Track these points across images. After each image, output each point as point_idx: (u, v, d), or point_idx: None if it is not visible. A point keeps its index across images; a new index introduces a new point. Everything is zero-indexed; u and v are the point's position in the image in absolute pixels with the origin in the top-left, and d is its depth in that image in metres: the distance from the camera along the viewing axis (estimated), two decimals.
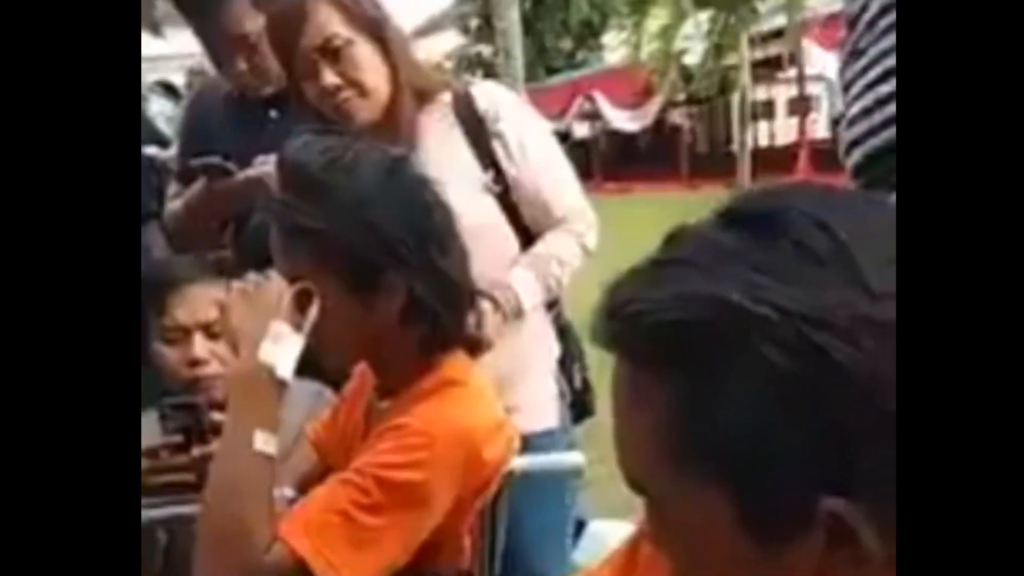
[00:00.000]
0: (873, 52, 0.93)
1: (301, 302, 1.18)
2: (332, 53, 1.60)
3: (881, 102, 0.90)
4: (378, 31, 1.63)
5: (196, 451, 1.44)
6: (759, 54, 14.78)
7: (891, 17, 0.91)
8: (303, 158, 1.21)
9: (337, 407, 1.46)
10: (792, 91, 20.63)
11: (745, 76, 8.25)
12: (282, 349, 1.16)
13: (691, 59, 9.46)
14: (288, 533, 1.11)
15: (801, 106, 17.24)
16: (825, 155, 16.63)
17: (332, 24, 1.60)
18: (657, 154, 17.66)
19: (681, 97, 17.93)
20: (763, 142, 20.14)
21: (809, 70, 15.46)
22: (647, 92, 15.84)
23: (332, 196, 1.18)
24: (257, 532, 1.11)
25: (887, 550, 0.52)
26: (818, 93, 20.80)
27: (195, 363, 1.59)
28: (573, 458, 1.35)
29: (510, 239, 1.68)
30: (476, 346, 1.29)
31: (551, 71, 21.90)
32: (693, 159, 19.53)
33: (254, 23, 1.87)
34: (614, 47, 20.14)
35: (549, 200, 1.67)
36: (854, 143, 0.94)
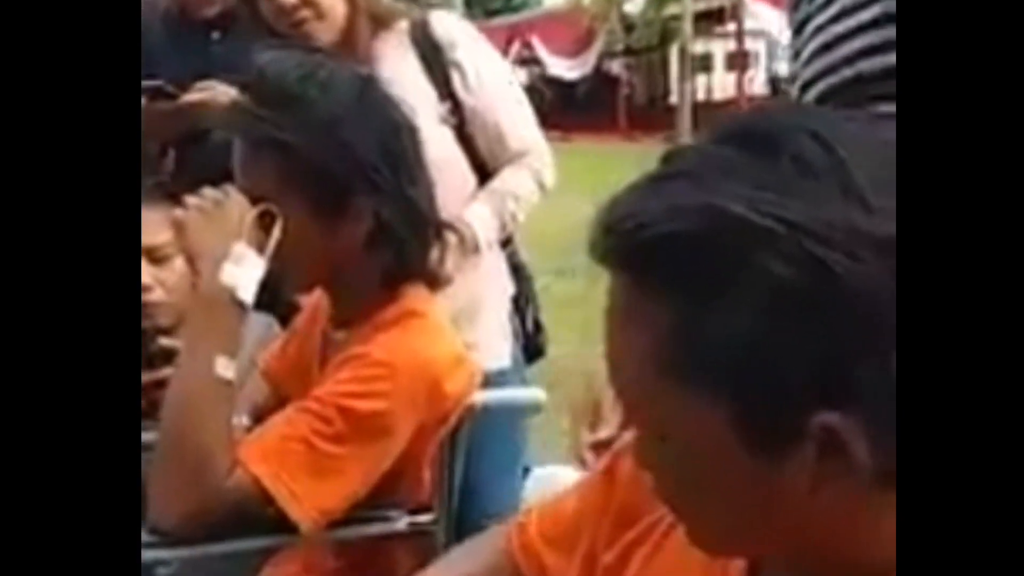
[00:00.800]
0: None
1: (263, 223, 1.15)
2: None
3: (840, 39, 0.89)
4: None
5: (144, 377, 1.41)
6: (700, 6, 14.75)
7: None
8: (277, 70, 1.17)
9: (288, 339, 1.43)
10: (730, 45, 20.67)
11: (687, 27, 8.24)
12: (244, 271, 1.12)
13: (632, 8, 9.42)
14: (248, 459, 1.09)
15: (740, 61, 17.36)
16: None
17: None
18: (595, 104, 17.62)
19: (619, 47, 17.89)
20: (701, 96, 20.25)
21: (749, 24, 15.55)
22: (586, 40, 15.76)
23: (307, 110, 1.14)
24: (217, 457, 1.08)
25: (881, 465, 0.53)
26: (756, 49, 20.96)
27: None
28: (532, 393, 1.34)
29: (467, 173, 1.65)
30: (436, 280, 1.27)
31: (489, 13, 21.62)
32: (631, 110, 19.56)
33: None
34: None
35: (506, 133, 1.65)
36: (812, 80, 0.93)
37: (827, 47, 0.89)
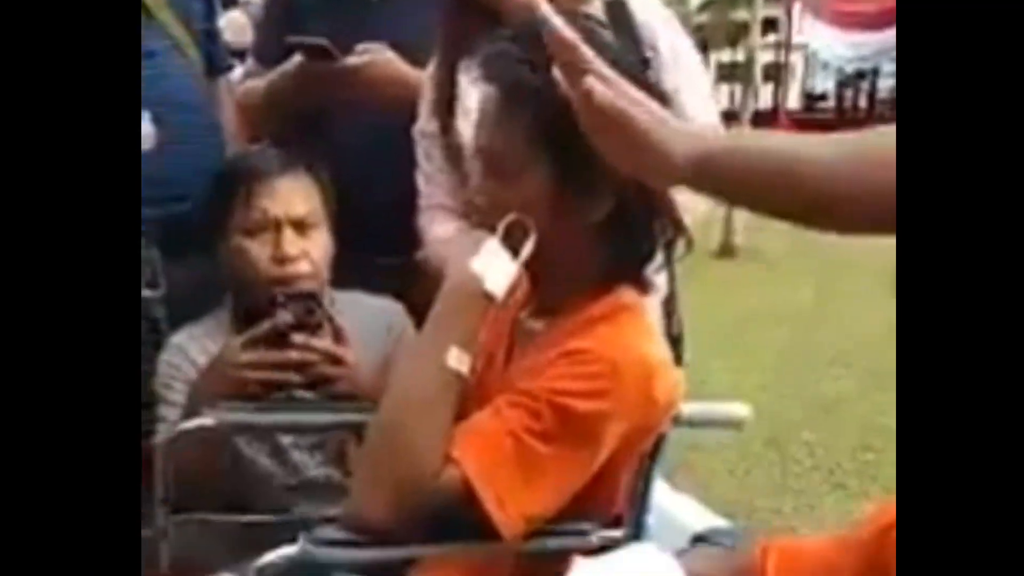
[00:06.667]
0: None
1: (514, 235, 1.06)
2: None
3: None
4: None
5: (299, 338, 1.33)
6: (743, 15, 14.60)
7: None
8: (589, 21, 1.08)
9: None
10: (767, 56, 20.40)
11: (756, 35, 8.08)
12: (494, 265, 1.04)
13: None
14: (461, 454, 1.00)
15: (778, 73, 17.23)
16: (800, 125, 16.70)
17: None
18: None
19: None
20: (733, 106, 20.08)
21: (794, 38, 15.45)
22: None
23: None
24: (431, 454, 0.99)
25: None
26: (794, 62, 20.76)
27: (284, 260, 1.45)
28: (738, 409, 1.23)
29: None
30: (647, 286, 1.15)
31: None
32: None
33: None
34: None
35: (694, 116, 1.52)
36: None
37: None
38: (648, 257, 1.13)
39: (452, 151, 1.52)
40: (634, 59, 1.13)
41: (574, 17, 1.05)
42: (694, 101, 1.52)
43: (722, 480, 3.33)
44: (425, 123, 1.57)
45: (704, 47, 15.60)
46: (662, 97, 1.12)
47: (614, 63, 0.96)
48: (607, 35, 1.13)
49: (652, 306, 1.58)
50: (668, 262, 1.16)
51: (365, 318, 1.51)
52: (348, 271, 1.53)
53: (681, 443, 1.25)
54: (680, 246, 1.17)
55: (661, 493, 1.52)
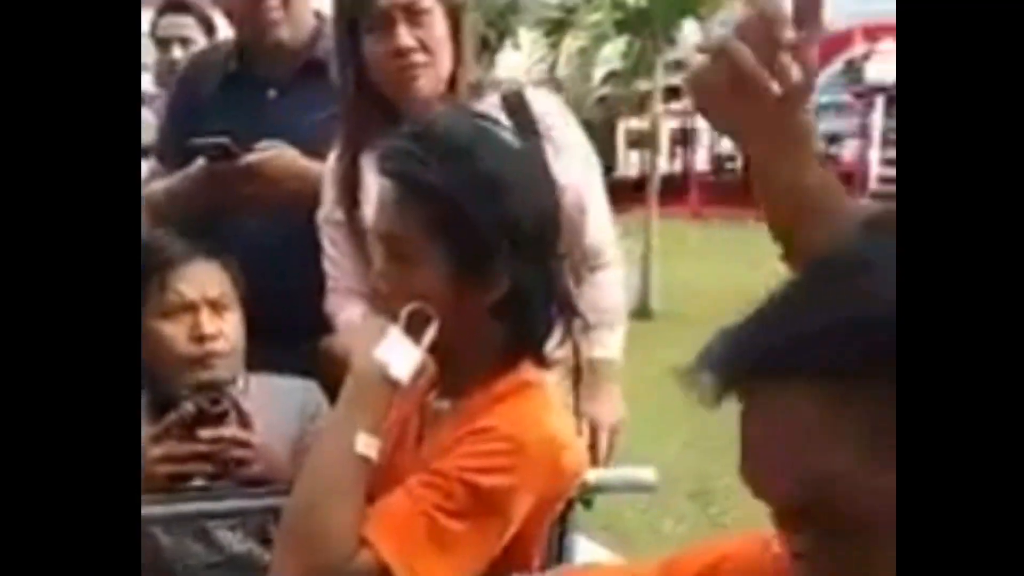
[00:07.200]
0: None
1: (416, 320, 1.11)
2: (414, 14, 1.51)
3: None
4: (456, 10, 1.56)
5: (206, 433, 1.35)
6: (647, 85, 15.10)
7: None
8: (451, 122, 1.15)
9: None
10: (672, 123, 21.01)
11: (658, 103, 8.37)
12: (397, 352, 1.09)
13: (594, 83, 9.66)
14: (373, 536, 1.03)
15: (685, 137, 17.78)
16: (710, 187, 17.18)
17: None
18: None
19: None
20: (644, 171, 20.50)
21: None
22: None
23: (471, 165, 1.10)
24: (345, 538, 1.02)
25: None
26: (699, 126, 21.38)
27: (203, 339, 1.48)
28: (647, 474, 1.28)
29: None
30: (546, 361, 1.21)
31: None
32: None
33: None
34: (508, 66, 20.22)
35: (588, 222, 1.62)
36: None
37: None
38: (546, 335, 1.19)
39: (357, 236, 1.57)
40: (535, 147, 1.21)
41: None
42: (589, 205, 1.61)
43: (647, 536, 3.37)
44: (330, 211, 1.62)
45: (610, 116, 16.06)
46: None
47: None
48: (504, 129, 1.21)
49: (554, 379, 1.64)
50: (567, 338, 1.21)
51: (278, 399, 1.54)
52: (256, 358, 1.56)
53: (605, 501, 1.30)
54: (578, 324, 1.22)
55: (585, 552, 1.56)
